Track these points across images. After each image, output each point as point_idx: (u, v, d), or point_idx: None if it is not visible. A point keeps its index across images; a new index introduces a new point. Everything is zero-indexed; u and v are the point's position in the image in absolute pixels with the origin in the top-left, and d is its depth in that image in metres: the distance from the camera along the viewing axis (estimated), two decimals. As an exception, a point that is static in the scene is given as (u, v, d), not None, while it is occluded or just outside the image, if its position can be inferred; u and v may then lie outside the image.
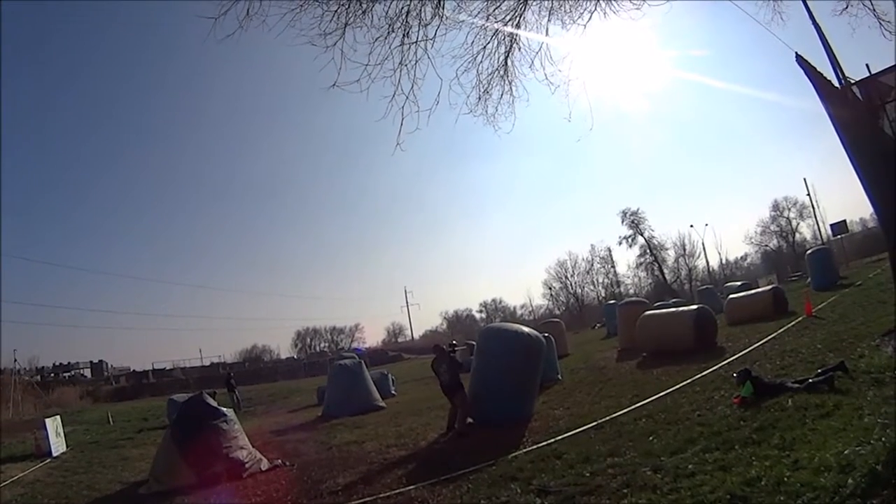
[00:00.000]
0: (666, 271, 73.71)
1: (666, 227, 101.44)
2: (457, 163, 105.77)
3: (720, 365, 11.45)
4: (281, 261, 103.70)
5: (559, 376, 15.36)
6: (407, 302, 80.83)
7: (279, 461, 9.63)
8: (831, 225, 47.10)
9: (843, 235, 45.98)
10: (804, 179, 58.11)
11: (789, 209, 68.35)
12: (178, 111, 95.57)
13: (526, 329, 11.49)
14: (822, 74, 7.68)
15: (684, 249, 73.42)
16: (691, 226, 71.53)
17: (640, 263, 74.36)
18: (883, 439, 4.50)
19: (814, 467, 4.70)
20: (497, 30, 8.84)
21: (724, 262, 73.72)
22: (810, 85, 7.69)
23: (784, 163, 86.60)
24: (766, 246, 72.27)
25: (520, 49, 8.43)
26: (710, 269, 70.79)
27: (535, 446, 7.89)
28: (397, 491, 6.76)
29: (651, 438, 7.01)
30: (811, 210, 60.69)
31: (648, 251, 73.11)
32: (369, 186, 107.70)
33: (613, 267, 77.36)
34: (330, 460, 9.51)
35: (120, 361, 64.65)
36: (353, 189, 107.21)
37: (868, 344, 9.46)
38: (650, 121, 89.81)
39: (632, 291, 71.42)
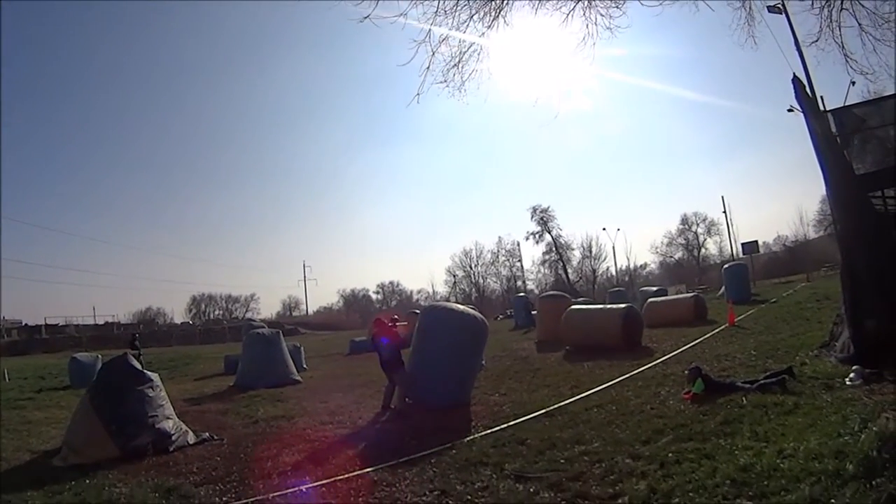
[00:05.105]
0: (570, 271, 76.28)
1: (574, 227, 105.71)
2: (375, 143, 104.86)
3: (655, 363, 11.81)
4: (182, 221, 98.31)
5: (483, 363, 15.21)
6: (304, 276, 79.36)
7: (206, 434, 8.71)
8: (743, 244, 50.75)
9: (753, 255, 49.54)
10: (722, 197, 61.56)
11: (698, 224, 72.91)
12: (86, 58, 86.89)
13: (472, 311, 11.18)
14: (810, 97, 8.03)
15: (590, 251, 76.36)
16: (604, 228, 74.19)
17: (545, 261, 76.61)
18: (874, 428, 4.63)
19: (802, 456, 4.78)
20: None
21: (630, 267, 77.46)
22: (797, 104, 8.06)
23: (697, 180, 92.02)
24: (671, 257, 76.74)
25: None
26: (616, 272, 74.15)
27: (488, 431, 7.62)
28: (356, 473, 6.23)
29: (613, 428, 6.96)
30: (720, 227, 64.91)
31: (554, 249, 75.34)
32: (284, 156, 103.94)
33: (520, 261, 78.88)
34: (261, 435, 8.79)
35: (10, 313, 58.94)
36: (267, 157, 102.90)
37: (807, 353, 10.05)
38: (577, 120, 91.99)
39: (531, 287, 73.20)
